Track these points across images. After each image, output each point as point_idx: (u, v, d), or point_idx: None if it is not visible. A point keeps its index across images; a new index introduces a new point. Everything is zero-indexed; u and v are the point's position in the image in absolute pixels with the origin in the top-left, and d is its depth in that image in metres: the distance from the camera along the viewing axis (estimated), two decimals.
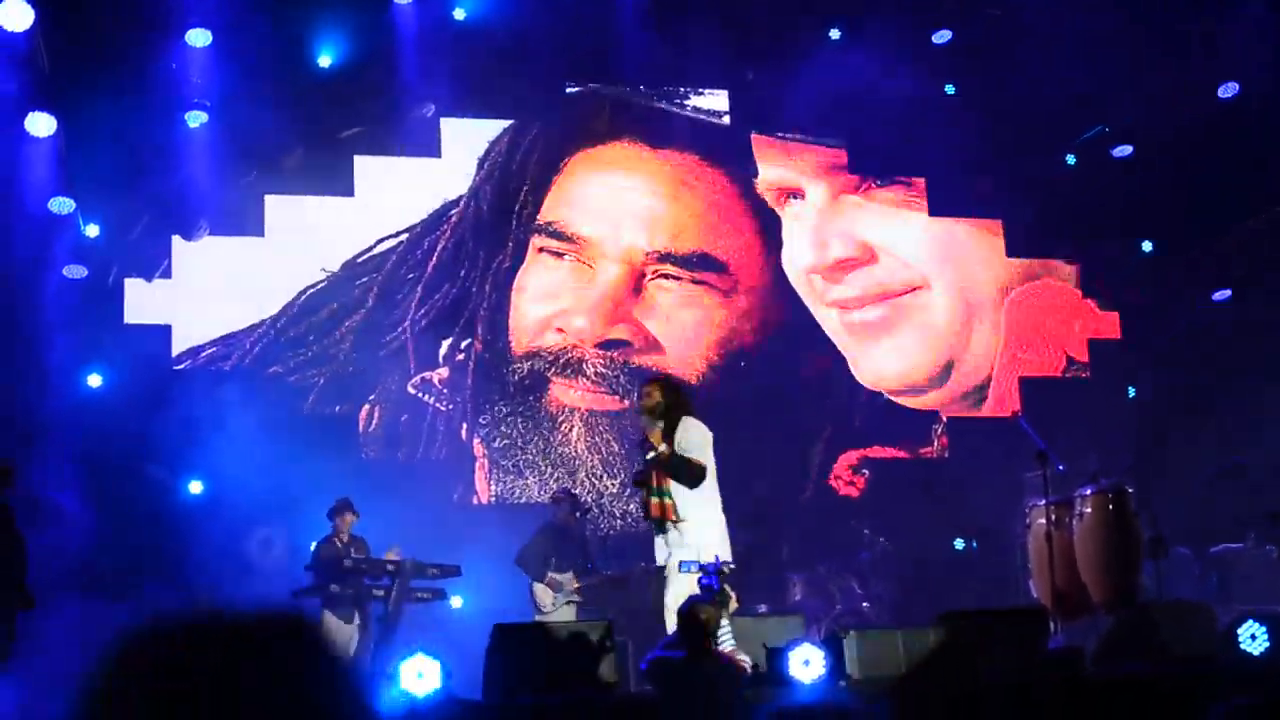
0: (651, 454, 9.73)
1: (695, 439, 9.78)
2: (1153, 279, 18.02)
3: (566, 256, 16.70)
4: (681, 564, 9.50)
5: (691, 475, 9.65)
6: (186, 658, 1.54)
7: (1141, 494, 11.02)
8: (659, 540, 9.88)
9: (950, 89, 17.85)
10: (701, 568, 9.31)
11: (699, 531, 9.70)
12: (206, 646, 1.56)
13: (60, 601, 12.88)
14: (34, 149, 14.17)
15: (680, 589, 9.66)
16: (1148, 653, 9.19)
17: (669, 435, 9.72)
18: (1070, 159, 18.19)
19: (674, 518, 9.66)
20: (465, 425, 16.07)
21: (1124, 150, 17.58)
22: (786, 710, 2.26)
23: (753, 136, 17.69)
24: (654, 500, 9.70)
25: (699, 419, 10.08)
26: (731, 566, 9.48)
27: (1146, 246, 18.31)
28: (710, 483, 9.88)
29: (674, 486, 9.66)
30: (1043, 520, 10.97)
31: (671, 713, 7.67)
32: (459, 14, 16.24)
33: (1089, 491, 10.94)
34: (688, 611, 8.64)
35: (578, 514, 14.30)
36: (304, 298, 15.88)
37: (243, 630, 1.60)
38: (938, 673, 8.50)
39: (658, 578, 10.20)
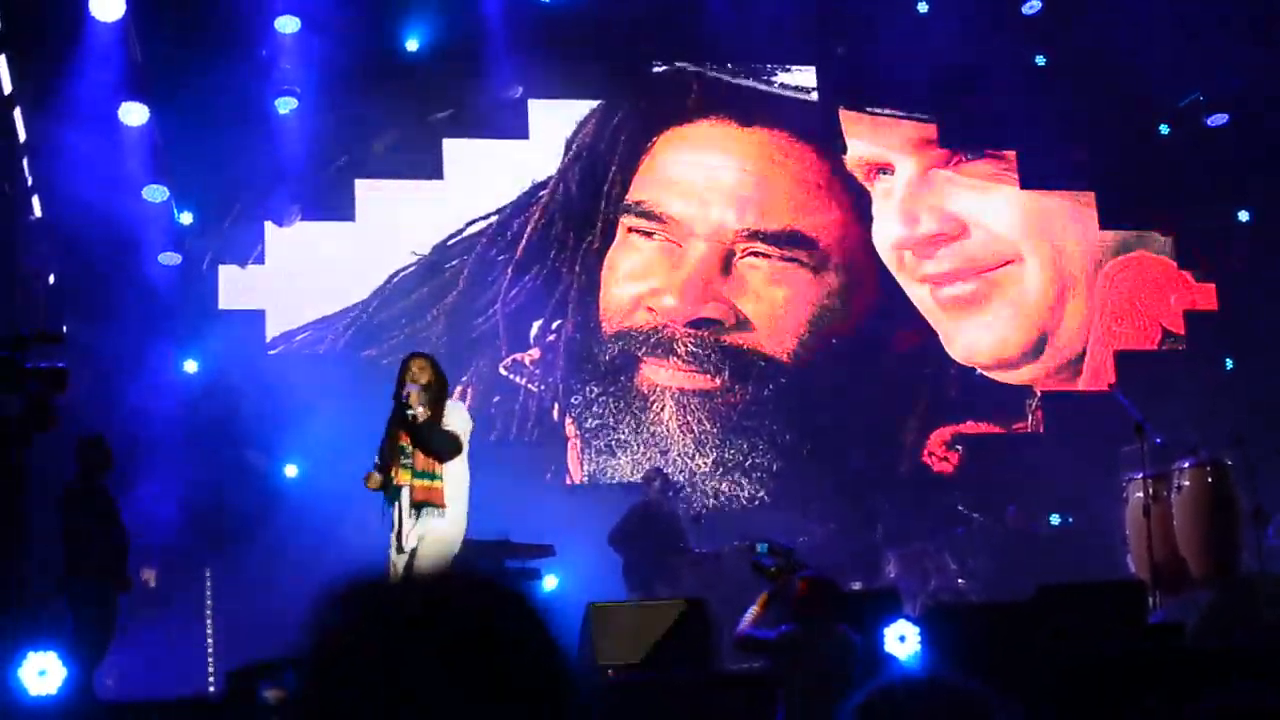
0: (411, 412, 9.04)
1: (460, 422, 9.30)
2: (1250, 249, 17.75)
3: (656, 236, 16.68)
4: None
5: (446, 446, 9.09)
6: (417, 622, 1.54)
7: (1242, 466, 10.85)
8: (410, 524, 9.07)
9: (1041, 60, 17.65)
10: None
11: (458, 519, 9.22)
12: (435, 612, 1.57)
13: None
14: (128, 138, 14.33)
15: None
16: (1249, 626, 9.08)
17: (436, 414, 9.15)
18: (1164, 128, 17.96)
19: (443, 503, 9.06)
20: (557, 406, 16.12)
21: (1219, 119, 17.35)
22: (890, 686, 2.23)
23: (841, 112, 17.59)
24: (420, 483, 9.06)
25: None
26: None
27: (1243, 216, 18.05)
28: (468, 472, 9.38)
29: (446, 471, 9.11)
30: (1140, 494, 10.85)
31: (797, 686, 7.63)
32: None
33: (1188, 464, 10.81)
34: (822, 584, 8.52)
35: (670, 493, 14.32)
36: (395, 281, 15.98)
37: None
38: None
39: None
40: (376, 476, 9.17)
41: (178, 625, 13.28)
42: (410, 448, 9.10)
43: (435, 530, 9.05)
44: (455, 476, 9.18)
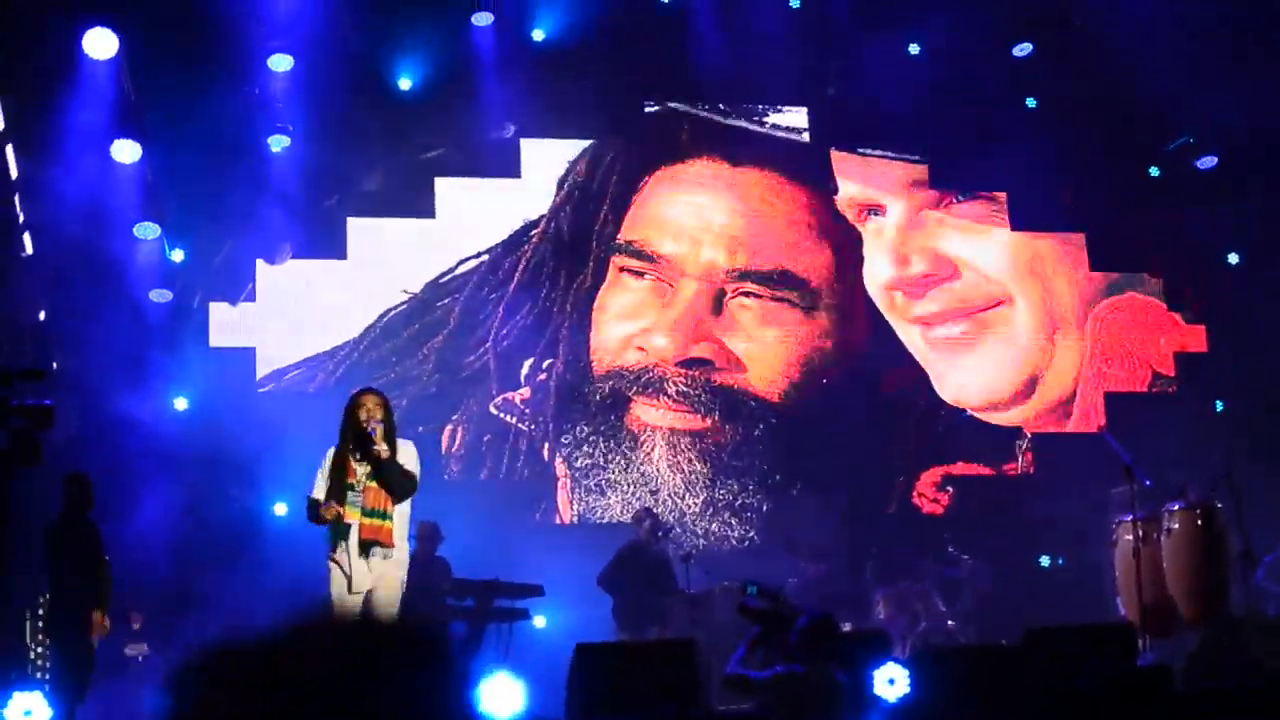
0: (377, 448, 8.75)
1: (414, 461, 9.05)
2: (1240, 291, 17.78)
3: (647, 275, 16.69)
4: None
5: (405, 485, 8.88)
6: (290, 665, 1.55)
7: (1231, 508, 10.84)
8: (360, 565, 8.76)
9: (1031, 102, 17.72)
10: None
11: (405, 559, 9.01)
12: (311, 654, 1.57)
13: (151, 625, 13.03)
14: (120, 175, 14.33)
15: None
16: (1239, 669, 9.05)
17: (390, 450, 8.86)
18: (1154, 171, 18.02)
19: (392, 543, 8.80)
20: (547, 445, 16.09)
21: (1209, 161, 17.40)
22: None
23: (832, 153, 17.62)
24: (370, 521, 8.74)
25: None
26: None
27: (1233, 258, 18.09)
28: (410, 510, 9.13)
29: (396, 511, 8.84)
30: (1130, 536, 10.83)
31: None
32: (538, 35, 16.35)
33: (1177, 507, 10.80)
34: (825, 623, 8.42)
35: (659, 533, 14.28)
36: (386, 319, 15.97)
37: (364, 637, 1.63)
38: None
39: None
40: (337, 508, 8.77)
41: (161, 663, 13.21)
42: (360, 485, 8.83)
43: (390, 572, 8.85)
44: (404, 516, 8.97)
